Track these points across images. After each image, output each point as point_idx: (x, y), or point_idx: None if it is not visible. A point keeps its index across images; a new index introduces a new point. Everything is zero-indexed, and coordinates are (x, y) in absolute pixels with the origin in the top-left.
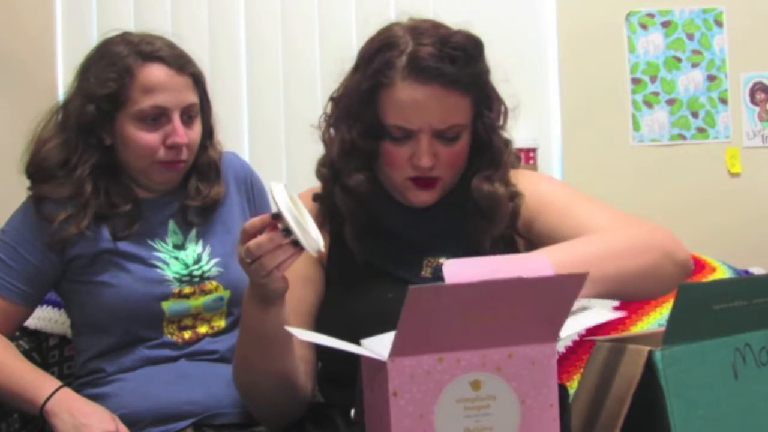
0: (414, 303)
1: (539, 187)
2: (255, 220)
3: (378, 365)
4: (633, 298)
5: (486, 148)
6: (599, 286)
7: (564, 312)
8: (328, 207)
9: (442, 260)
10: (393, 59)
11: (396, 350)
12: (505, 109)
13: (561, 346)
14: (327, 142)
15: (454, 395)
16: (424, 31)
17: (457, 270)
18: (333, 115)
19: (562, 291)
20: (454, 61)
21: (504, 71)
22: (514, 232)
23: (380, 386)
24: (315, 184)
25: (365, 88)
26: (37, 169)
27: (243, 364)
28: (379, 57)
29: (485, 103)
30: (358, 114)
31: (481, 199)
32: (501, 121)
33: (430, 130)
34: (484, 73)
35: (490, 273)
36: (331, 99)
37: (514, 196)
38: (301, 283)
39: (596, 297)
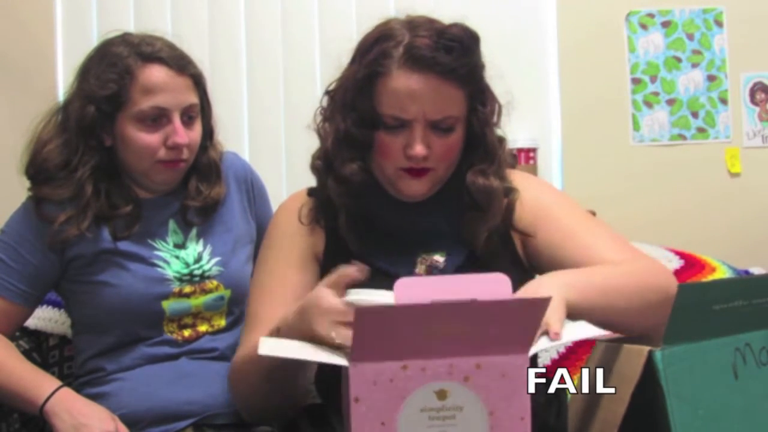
0: (362, 322)
1: (541, 196)
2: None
3: (345, 370)
4: (629, 333)
5: (480, 142)
6: (600, 317)
7: (529, 332)
8: (322, 200)
9: (436, 257)
10: (389, 49)
11: (358, 356)
12: (500, 107)
13: (561, 347)
14: (322, 135)
15: (418, 404)
16: (420, 24)
17: (409, 289)
18: (328, 108)
19: (523, 315)
20: (450, 51)
21: (501, 69)
22: (511, 228)
23: (346, 390)
24: (314, 184)
25: (361, 77)
26: (37, 171)
27: (258, 390)
28: (376, 48)
29: (479, 98)
30: (353, 104)
31: (476, 193)
32: (495, 119)
33: (424, 120)
34: (479, 67)
35: (444, 293)
36: (327, 92)
37: (509, 191)
38: (297, 270)
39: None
